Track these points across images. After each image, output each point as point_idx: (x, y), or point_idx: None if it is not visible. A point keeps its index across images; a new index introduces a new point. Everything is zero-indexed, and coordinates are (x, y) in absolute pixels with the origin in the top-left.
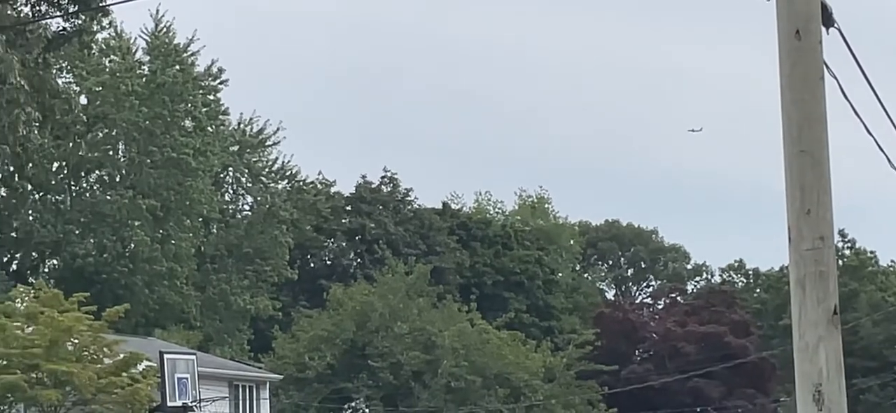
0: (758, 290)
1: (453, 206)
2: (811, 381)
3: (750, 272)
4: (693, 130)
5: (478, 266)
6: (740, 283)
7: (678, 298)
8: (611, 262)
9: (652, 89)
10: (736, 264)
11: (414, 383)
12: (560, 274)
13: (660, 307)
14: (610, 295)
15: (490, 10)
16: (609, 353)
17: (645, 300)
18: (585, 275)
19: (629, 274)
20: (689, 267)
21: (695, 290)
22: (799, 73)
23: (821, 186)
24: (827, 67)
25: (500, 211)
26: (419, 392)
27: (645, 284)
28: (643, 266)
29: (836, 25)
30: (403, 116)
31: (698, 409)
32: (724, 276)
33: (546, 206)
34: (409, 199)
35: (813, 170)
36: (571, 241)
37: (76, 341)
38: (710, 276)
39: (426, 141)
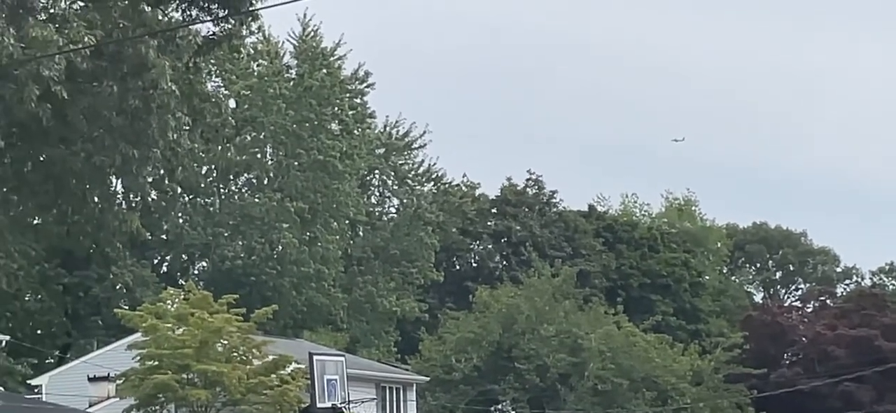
0: None
1: (599, 208)
2: None
3: None
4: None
5: (624, 268)
6: (892, 286)
7: (828, 301)
8: (759, 265)
9: (799, 90)
10: (887, 267)
11: (560, 386)
12: (707, 277)
13: (809, 310)
14: (758, 298)
15: (635, 12)
16: (757, 356)
17: (794, 303)
18: (733, 277)
19: (777, 277)
20: (838, 270)
21: (845, 294)
22: None
23: None
24: None
25: (646, 213)
26: (565, 394)
27: (793, 287)
28: (792, 269)
29: None
30: (547, 118)
31: None
32: (875, 279)
33: (693, 208)
34: (554, 201)
35: None
36: (719, 244)
37: (226, 342)
38: (860, 279)
39: (571, 143)
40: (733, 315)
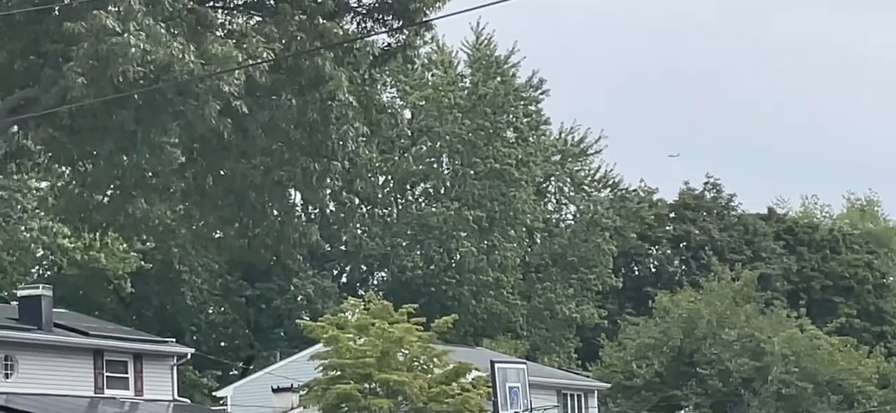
0: None
1: (779, 210)
2: None
3: None
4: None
5: (805, 271)
6: None
7: None
8: None
9: None
10: None
11: (743, 390)
12: (892, 278)
13: None
14: None
15: (812, 12)
16: None
17: None
18: None
19: None
20: None
21: None
22: None
23: None
24: None
25: (827, 215)
26: (749, 399)
27: None
28: None
29: None
30: (725, 122)
31: None
32: None
33: (876, 208)
34: (732, 204)
35: None
36: None
37: (407, 352)
38: None
39: (749, 146)
40: None
